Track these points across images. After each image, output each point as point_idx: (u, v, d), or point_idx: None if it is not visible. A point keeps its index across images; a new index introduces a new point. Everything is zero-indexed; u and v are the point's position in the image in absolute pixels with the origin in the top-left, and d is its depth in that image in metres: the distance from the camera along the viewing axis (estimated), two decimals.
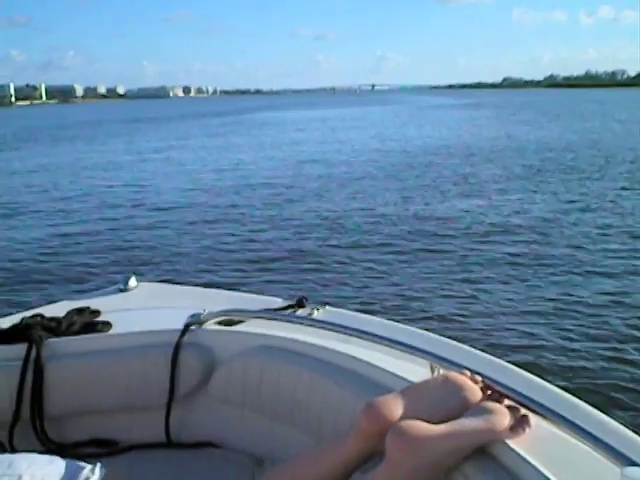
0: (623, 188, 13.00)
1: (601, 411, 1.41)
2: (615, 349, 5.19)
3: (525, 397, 1.32)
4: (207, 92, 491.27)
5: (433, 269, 7.63)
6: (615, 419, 1.38)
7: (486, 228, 9.68)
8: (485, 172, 16.05)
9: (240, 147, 26.50)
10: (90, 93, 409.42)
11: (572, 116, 44.75)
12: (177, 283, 2.85)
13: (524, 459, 1.20)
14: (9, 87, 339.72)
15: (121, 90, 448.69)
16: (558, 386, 1.54)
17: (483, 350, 1.78)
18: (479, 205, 11.56)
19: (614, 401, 4.31)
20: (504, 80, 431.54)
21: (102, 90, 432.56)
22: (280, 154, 22.79)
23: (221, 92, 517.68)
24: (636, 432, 1.32)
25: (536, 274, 7.33)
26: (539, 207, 11.23)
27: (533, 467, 1.18)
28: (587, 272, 7.32)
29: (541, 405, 1.30)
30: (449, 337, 1.87)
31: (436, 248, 8.61)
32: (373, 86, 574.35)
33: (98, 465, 1.35)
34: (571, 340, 5.41)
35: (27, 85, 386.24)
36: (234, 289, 2.84)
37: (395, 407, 1.25)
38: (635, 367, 4.81)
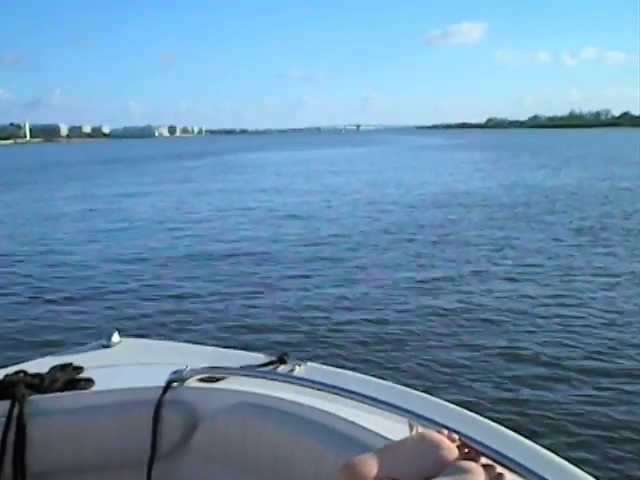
0: None
1: (581, 469, 1.36)
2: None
3: (501, 455, 1.32)
4: (193, 132, 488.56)
5: None
6: (594, 477, 1.34)
7: (568, 354, 5.72)
8: (525, 238, 12.13)
9: (210, 196, 22.56)
10: (75, 132, 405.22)
11: (579, 159, 41.22)
12: (159, 338, 2.95)
13: None
14: None
15: (106, 129, 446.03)
16: (537, 442, 1.46)
17: (462, 406, 1.67)
18: (543, 302, 7.58)
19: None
20: (488, 120, 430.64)
21: (87, 129, 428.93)
22: (255, 207, 18.82)
23: (207, 132, 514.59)
24: None
25: None
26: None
27: None
28: None
29: (517, 463, 1.30)
30: (429, 393, 1.76)
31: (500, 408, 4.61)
32: (358, 126, 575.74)
33: None
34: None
35: (11, 124, 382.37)
36: (216, 345, 2.85)
37: (372, 467, 1.24)
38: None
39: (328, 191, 22.81)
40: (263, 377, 1.96)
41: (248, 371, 2.00)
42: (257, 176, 32.83)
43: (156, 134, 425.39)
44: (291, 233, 13.60)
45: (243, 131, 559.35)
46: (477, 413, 1.63)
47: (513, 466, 1.29)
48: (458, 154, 52.60)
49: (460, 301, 7.78)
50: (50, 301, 8.56)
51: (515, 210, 16.22)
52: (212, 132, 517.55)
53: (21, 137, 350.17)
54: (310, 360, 2.07)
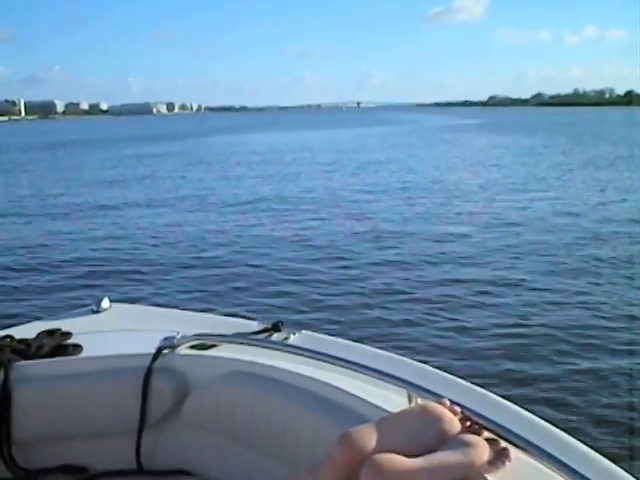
0: None
1: (585, 444, 1.30)
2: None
3: (505, 429, 1.24)
4: (191, 109, 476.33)
5: None
6: (599, 452, 1.27)
7: None
8: None
9: (156, 209, 12.79)
10: (72, 109, 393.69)
11: None
12: (151, 304, 2.81)
13: None
14: None
15: (104, 106, 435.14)
16: (541, 417, 1.40)
17: (464, 378, 1.62)
18: None
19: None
20: (490, 98, 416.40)
21: (85, 106, 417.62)
22: (219, 241, 9.02)
23: (205, 108, 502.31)
24: (620, 466, 1.21)
25: None
26: None
27: None
28: None
29: (521, 437, 1.23)
30: (429, 364, 1.71)
31: None
32: (359, 103, 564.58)
33: None
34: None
35: (6, 100, 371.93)
36: (209, 311, 2.68)
37: (370, 438, 1.17)
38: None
39: (341, 214, 12.75)
40: (256, 345, 1.86)
41: (241, 338, 1.90)
42: (240, 170, 22.77)
43: (154, 111, 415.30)
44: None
45: (243, 108, 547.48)
46: (479, 386, 1.55)
47: (517, 440, 1.21)
48: (499, 139, 41.72)
49: None
50: None
51: None
52: (211, 109, 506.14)
53: (16, 114, 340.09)
54: (305, 328, 1.97)
